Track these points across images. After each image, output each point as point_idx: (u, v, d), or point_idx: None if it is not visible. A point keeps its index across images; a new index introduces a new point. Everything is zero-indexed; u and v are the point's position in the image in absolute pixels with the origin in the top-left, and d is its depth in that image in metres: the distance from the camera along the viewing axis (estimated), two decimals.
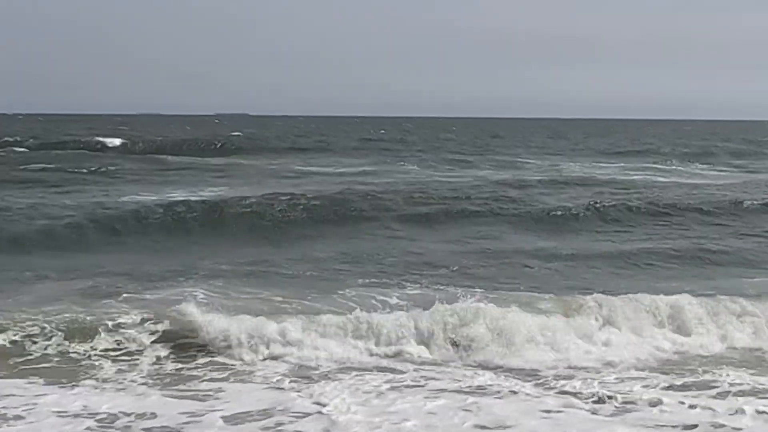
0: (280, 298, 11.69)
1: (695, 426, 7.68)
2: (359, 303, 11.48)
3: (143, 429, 7.50)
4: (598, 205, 21.54)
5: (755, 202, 22.94)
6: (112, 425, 7.58)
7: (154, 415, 7.76)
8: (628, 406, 8.23)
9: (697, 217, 21.07)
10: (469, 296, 11.35)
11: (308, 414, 7.89)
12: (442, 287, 12.87)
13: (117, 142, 50.81)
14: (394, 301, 11.79)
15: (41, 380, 8.84)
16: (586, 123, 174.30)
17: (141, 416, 7.76)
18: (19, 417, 7.76)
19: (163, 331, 10.10)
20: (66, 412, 7.89)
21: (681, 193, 26.26)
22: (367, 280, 13.22)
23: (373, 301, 11.67)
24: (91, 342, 9.74)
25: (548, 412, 8.06)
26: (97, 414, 7.82)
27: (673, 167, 42.22)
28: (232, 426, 7.64)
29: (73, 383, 8.75)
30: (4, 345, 9.63)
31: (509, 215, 20.64)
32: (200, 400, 8.30)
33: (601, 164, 43.79)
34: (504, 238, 18.39)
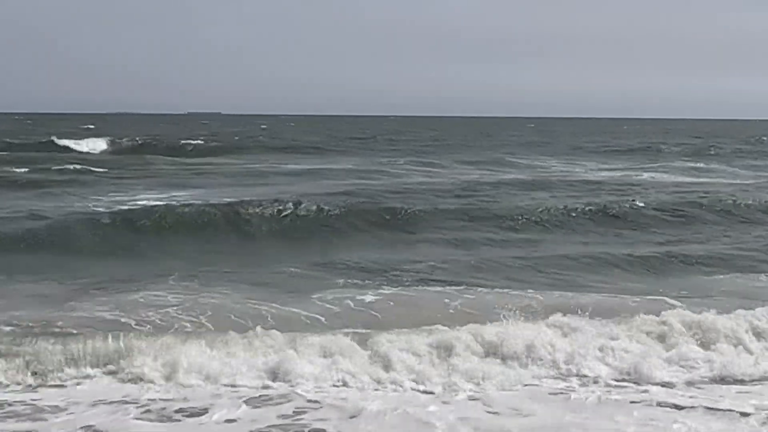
0: (254, 300, 11.47)
1: None
2: (334, 304, 11.39)
3: (175, 411, 7.75)
4: (588, 206, 21.34)
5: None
6: (151, 411, 7.77)
7: (186, 399, 8.06)
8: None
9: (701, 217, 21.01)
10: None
11: (327, 400, 8.04)
12: (420, 287, 12.74)
13: (102, 142, 50.57)
14: (369, 299, 11.66)
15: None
16: (572, 122, 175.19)
17: (173, 401, 8.03)
18: (58, 408, 7.81)
19: None
20: (107, 400, 8.02)
21: (675, 192, 26.23)
22: (349, 281, 13.09)
23: (348, 301, 11.54)
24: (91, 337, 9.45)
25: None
26: (137, 401, 7.97)
27: (671, 164, 42.27)
28: (252, 410, 7.84)
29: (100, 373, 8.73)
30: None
31: (500, 214, 20.49)
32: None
33: (583, 163, 43.90)
34: (495, 237, 18.32)
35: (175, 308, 10.89)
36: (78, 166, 33.80)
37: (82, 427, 7.37)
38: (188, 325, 10.26)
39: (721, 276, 14.30)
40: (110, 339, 8.96)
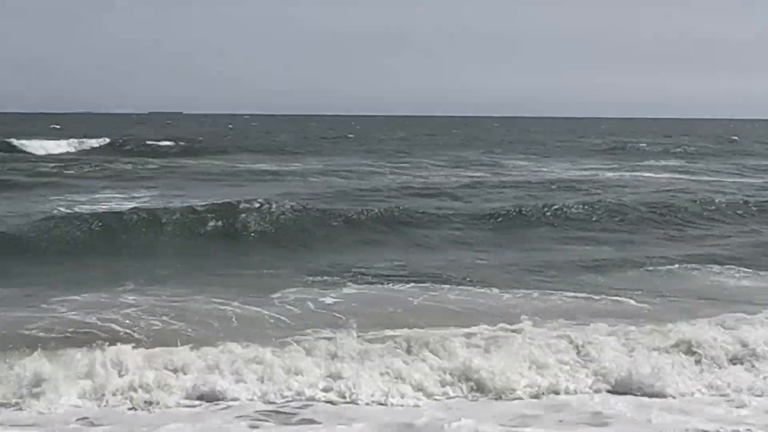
0: (220, 299, 11.52)
1: None
2: (294, 305, 11.44)
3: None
4: (554, 205, 21.29)
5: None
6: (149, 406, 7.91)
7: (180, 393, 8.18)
8: None
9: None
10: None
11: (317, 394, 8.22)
12: (384, 285, 12.90)
13: (73, 142, 50.14)
14: (329, 301, 11.74)
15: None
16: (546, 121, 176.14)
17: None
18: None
19: None
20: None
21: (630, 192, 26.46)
22: (317, 278, 13.22)
23: (308, 303, 11.59)
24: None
25: None
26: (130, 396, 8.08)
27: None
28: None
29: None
30: None
31: (470, 213, 20.65)
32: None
33: (550, 161, 44.26)
34: (463, 236, 18.44)
35: (137, 309, 10.94)
36: (47, 168, 33.58)
37: (78, 419, 7.51)
38: (157, 324, 10.30)
39: (675, 265, 14.74)
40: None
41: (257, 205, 19.11)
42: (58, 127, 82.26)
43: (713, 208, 22.10)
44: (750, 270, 14.59)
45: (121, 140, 53.38)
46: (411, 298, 11.98)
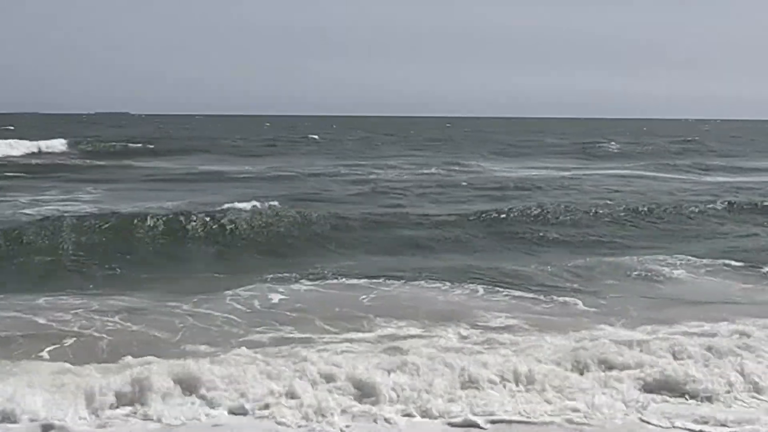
0: (175, 302, 11.50)
1: None
2: (243, 303, 11.53)
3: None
4: (510, 207, 21.43)
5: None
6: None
7: None
8: None
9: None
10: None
11: None
12: (338, 281, 13.10)
13: (28, 144, 49.37)
14: (276, 300, 11.81)
15: None
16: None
17: None
18: None
19: None
20: None
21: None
22: (274, 275, 13.37)
23: (256, 302, 11.67)
24: None
25: None
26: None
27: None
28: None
29: None
30: None
31: (426, 215, 20.69)
32: None
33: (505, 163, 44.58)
34: (426, 236, 18.45)
35: (84, 310, 10.99)
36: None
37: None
38: (110, 324, 10.30)
39: (630, 262, 14.94)
40: None
41: (214, 207, 19.08)
42: (12, 128, 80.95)
43: (669, 207, 22.24)
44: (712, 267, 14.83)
45: (76, 141, 52.67)
46: (363, 296, 12.09)
